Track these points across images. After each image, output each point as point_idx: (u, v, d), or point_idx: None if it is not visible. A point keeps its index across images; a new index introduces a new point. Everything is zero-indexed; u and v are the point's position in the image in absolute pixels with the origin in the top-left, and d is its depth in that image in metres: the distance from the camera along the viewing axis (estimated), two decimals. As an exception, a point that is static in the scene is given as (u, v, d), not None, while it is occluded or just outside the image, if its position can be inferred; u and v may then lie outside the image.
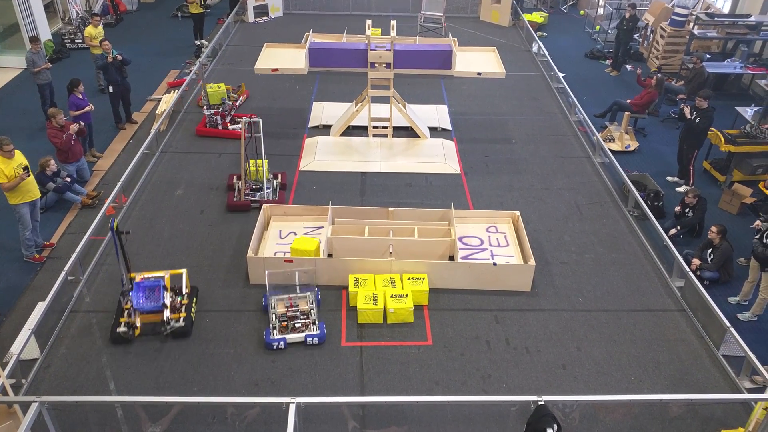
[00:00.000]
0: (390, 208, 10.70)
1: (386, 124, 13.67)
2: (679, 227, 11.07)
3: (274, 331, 8.65)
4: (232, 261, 10.19)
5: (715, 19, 17.06)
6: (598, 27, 21.29)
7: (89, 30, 15.39)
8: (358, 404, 7.84)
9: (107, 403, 7.60)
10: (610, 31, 20.12)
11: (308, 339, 8.63)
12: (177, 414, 7.57)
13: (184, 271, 9.18)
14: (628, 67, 18.56)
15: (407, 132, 13.92)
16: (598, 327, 9.16)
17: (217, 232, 10.89)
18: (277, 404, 6.73)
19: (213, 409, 7.65)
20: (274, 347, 8.53)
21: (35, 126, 14.06)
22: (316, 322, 8.83)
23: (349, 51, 12.96)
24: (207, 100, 13.90)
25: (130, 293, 8.73)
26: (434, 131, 14.28)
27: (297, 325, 8.72)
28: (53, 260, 10.22)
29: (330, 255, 9.96)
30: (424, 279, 9.47)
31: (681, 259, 9.81)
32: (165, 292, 8.79)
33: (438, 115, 14.99)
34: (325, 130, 14.23)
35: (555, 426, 6.24)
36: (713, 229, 10.04)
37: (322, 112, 14.91)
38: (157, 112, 14.67)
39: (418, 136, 13.76)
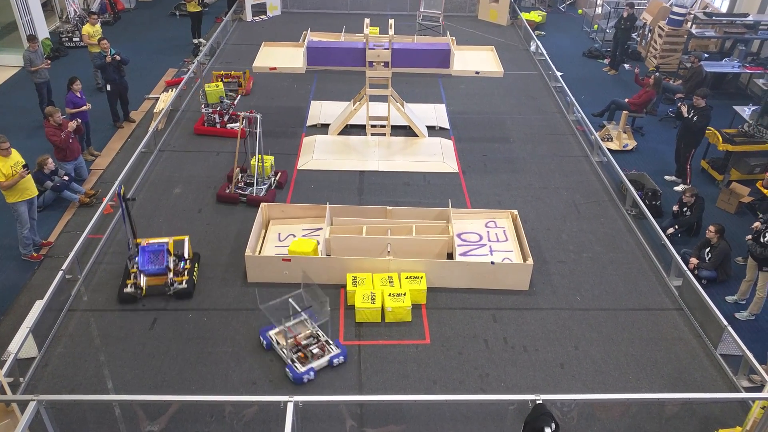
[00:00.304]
0: (388, 207, 10.70)
1: (384, 122, 13.67)
2: (676, 226, 11.08)
3: (296, 364, 8.16)
4: (230, 260, 10.18)
5: (713, 18, 17.08)
6: (596, 26, 21.30)
7: (87, 28, 15.36)
8: (356, 403, 7.84)
9: (105, 402, 7.60)
10: (608, 30, 20.14)
11: (334, 360, 8.28)
12: (175, 413, 7.57)
13: (186, 237, 9.76)
14: (626, 66, 18.60)
15: (405, 131, 13.93)
16: (596, 326, 9.17)
17: (214, 230, 10.88)
18: (275, 403, 6.74)
19: (211, 408, 7.65)
20: (305, 380, 8.05)
21: (33, 124, 14.04)
22: (329, 341, 8.52)
23: (347, 50, 12.95)
24: (205, 99, 13.90)
25: (136, 257, 9.37)
26: (432, 130, 14.28)
27: (315, 351, 8.33)
28: (51, 259, 10.21)
29: (328, 254, 9.96)
30: (422, 278, 9.47)
31: (679, 258, 9.83)
32: (168, 256, 9.41)
33: (436, 114, 14.99)
34: (323, 128, 14.22)
35: (553, 425, 6.24)
36: (711, 228, 10.04)
37: (320, 110, 14.90)
38: (155, 110, 14.65)
39: (416, 135, 13.76)
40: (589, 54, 19.63)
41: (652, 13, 18.97)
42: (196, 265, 9.77)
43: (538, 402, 6.51)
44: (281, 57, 13.39)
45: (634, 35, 19.57)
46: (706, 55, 17.04)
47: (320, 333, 8.61)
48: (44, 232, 10.78)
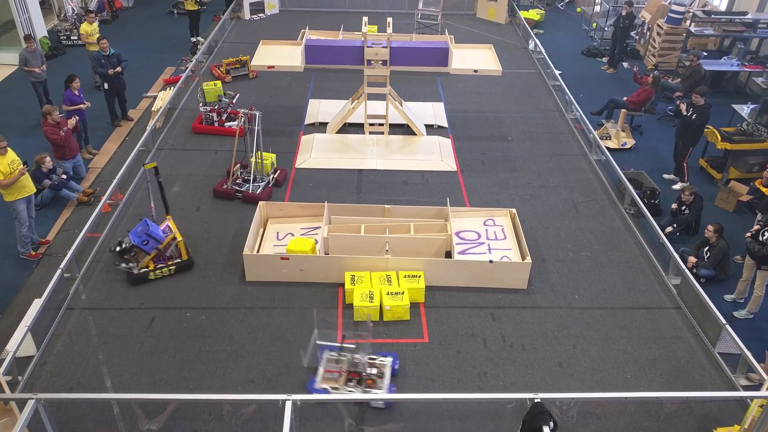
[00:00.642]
0: (386, 206, 10.69)
1: (382, 121, 13.65)
2: (675, 225, 11.08)
3: (373, 391, 7.81)
4: (228, 258, 10.18)
5: (712, 16, 17.05)
6: (594, 24, 21.29)
7: (84, 27, 15.32)
8: (354, 402, 7.84)
9: (103, 401, 7.58)
10: (606, 29, 20.11)
11: (395, 367, 8.15)
12: (173, 411, 7.57)
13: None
14: (625, 64, 18.59)
15: (403, 129, 13.91)
16: (594, 324, 9.17)
17: (213, 229, 10.87)
18: (273, 401, 6.73)
19: (209, 407, 7.65)
20: (393, 389, 7.87)
21: (30, 123, 14.01)
22: (372, 356, 8.16)
23: (345, 48, 12.94)
24: (203, 98, 13.89)
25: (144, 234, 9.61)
26: (430, 129, 14.26)
27: (373, 371, 7.96)
28: (49, 257, 10.20)
29: (326, 253, 9.95)
30: (420, 276, 9.47)
31: (677, 256, 9.83)
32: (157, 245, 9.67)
33: (434, 112, 14.98)
34: (321, 127, 14.20)
35: (551, 423, 6.25)
36: (710, 228, 10.04)
37: (318, 109, 14.89)
38: (153, 109, 14.63)
39: (415, 134, 13.75)
40: (588, 52, 19.61)
41: (651, 11, 18.96)
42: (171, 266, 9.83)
43: (536, 400, 6.50)
44: (279, 55, 13.37)
45: (632, 33, 19.55)
46: (704, 54, 17.02)
47: (357, 357, 8.04)
48: (42, 231, 10.77)
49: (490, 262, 9.65)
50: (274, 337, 8.76)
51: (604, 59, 18.93)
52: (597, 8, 21.58)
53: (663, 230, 10.65)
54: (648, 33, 19.15)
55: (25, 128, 13.90)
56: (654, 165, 13.39)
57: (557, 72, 16.48)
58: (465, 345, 8.73)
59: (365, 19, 13.12)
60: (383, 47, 12.62)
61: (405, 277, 9.46)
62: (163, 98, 14.86)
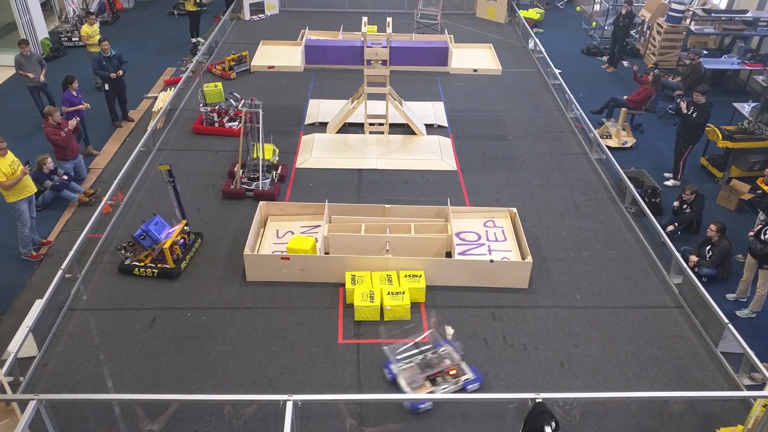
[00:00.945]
0: (386, 206, 10.68)
1: (382, 121, 13.65)
2: (676, 224, 11.06)
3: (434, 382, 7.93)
4: (228, 258, 10.17)
5: (712, 15, 17.03)
6: (594, 23, 21.28)
7: (85, 29, 15.32)
8: (355, 402, 7.83)
9: (105, 401, 7.58)
10: (606, 28, 20.09)
11: (468, 387, 8.04)
12: (174, 412, 7.56)
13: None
14: (625, 63, 18.58)
15: (403, 129, 13.90)
16: (595, 324, 9.16)
17: (213, 229, 10.87)
18: (274, 402, 6.72)
19: (210, 407, 7.64)
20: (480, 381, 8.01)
21: (31, 125, 14.01)
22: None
23: (345, 48, 12.93)
24: (204, 99, 13.89)
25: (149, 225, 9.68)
26: (430, 128, 14.25)
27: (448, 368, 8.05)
28: (50, 258, 10.20)
29: (327, 253, 9.94)
30: (420, 276, 9.46)
31: (679, 255, 9.81)
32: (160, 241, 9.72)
33: (434, 111, 14.97)
34: (321, 127, 14.20)
35: (553, 423, 6.22)
36: (712, 227, 10.02)
37: (318, 109, 14.88)
38: (153, 109, 14.63)
39: (415, 133, 13.74)
40: (588, 51, 19.60)
41: (651, 10, 18.94)
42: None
43: (537, 400, 6.49)
44: (279, 56, 13.37)
45: (632, 32, 19.54)
46: (705, 52, 17.01)
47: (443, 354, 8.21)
48: (44, 232, 10.77)
49: (491, 261, 9.64)
50: (275, 338, 8.75)
51: (604, 58, 18.92)
52: (597, 7, 21.57)
53: (664, 229, 10.63)
54: (648, 31, 19.13)
55: (26, 130, 13.90)
56: (654, 164, 13.38)
57: (557, 71, 16.47)
58: (466, 345, 8.69)
59: (365, 19, 13.11)
60: (383, 47, 12.61)
61: (405, 276, 9.45)
62: (163, 99, 14.86)
